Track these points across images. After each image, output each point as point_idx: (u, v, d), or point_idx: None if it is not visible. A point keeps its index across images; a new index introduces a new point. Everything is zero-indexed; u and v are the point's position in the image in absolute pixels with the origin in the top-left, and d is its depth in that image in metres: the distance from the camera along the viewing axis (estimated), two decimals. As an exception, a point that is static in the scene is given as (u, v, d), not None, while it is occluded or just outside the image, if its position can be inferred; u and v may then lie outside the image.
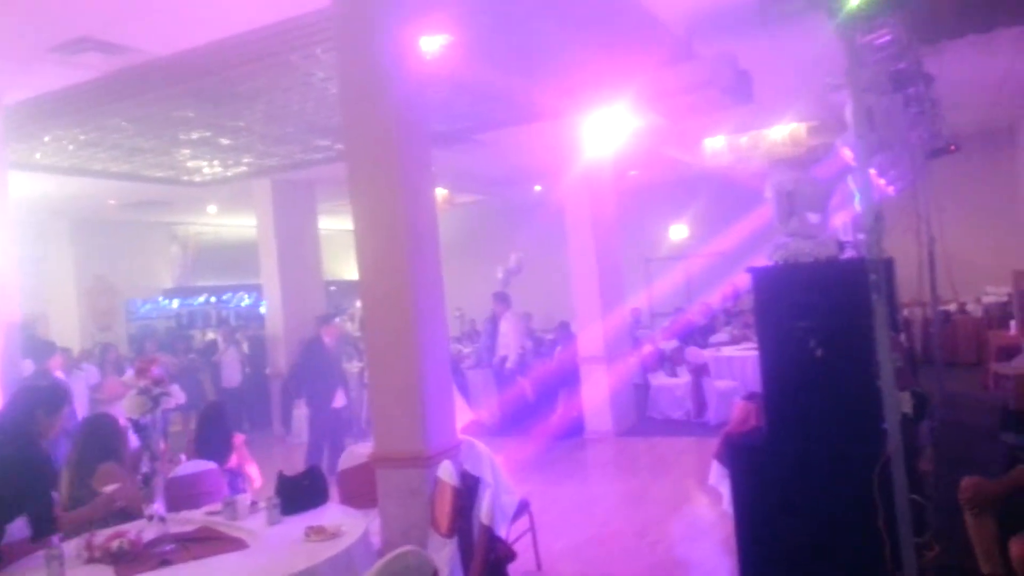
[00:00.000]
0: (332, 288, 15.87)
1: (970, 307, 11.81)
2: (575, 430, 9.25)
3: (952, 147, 7.27)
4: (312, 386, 8.09)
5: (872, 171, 4.67)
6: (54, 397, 4.14)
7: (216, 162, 10.06)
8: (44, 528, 3.55)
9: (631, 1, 5.93)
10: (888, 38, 4.65)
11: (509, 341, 10.41)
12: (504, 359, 10.33)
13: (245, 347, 12.21)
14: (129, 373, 4.04)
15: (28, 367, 6.14)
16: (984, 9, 6.61)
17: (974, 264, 11.52)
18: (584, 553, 5.31)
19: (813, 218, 4.19)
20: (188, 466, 4.64)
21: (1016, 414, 3.80)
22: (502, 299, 10.57)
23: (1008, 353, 8.41)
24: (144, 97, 7.05)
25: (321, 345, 7.91)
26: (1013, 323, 8.76)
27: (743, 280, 11.19)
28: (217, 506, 4.01)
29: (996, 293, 11.48)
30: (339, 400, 7.84)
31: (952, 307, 11.59)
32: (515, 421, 9.77)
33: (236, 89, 7.07)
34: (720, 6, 6.28)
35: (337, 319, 8.24)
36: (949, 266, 8.23)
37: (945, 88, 7.25)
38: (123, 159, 9.38)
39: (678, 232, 15.17)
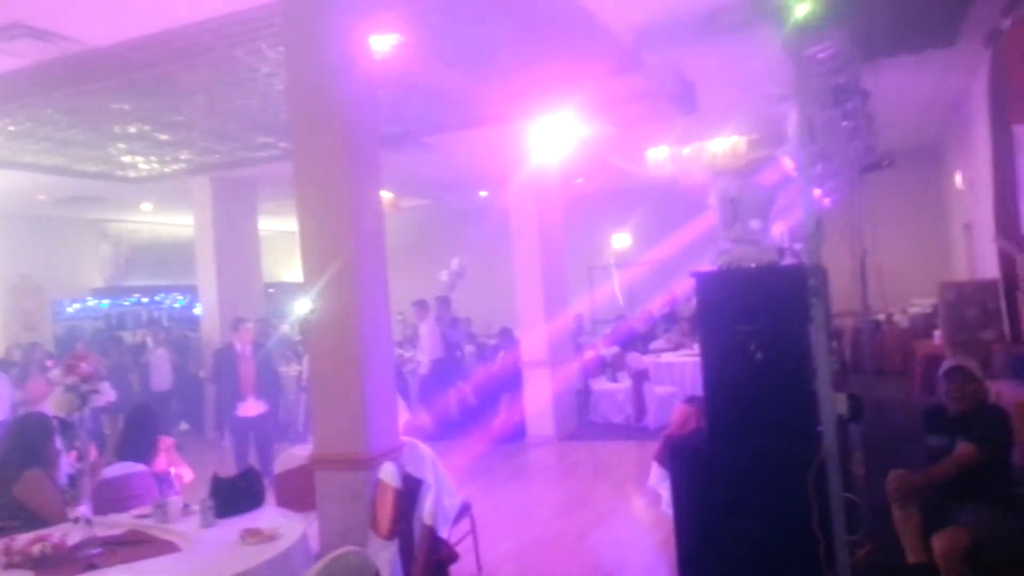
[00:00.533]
0: (271, 290, 15.57)
1: (897, 317, 12.25)
2: (517, 434, 9.26)
3: (886, 162, 7.53)
4: (220, 391, 7.85)
5: (813, 181, 4.79)
6: None
7: (153, 158, 9.77)
8: None
9: (581, 9, 5.98)
10: (832, 51, 4.79)
11: (425, 347, 10.37)
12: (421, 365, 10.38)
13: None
14: (56, 371, 3.86)
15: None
16: (915, 31, 6.91)
17: (902, 276, 11.98)
18: (525, 556, 5.30)
19: (755, 224, 4.29)
20: (117, 468, 4.47)
21: (936, 414, 3.95)
22: (420, 306, 10.59)
23: (934, 361, 8.74)
24: (79, 88, 6.81)
25: (232, 351, 7.66)
26: (937, 333, 9.11)
27: (682, 288, 11.41)
28: (147, 509, 3.87)
29: (922, 304, 11.94)
30: (252, 407, 7.48)
31: (881, 317, 12.01)
32: (457, 425, 9.73)
33: (176, 83, 6.89)
34: (668, 17, 6.39)
35: (248, 323, 7.94)
36: (880, 277, 8.53)
37: (879, 105, 7.53)
38: (55, 152, 9.04)
39: (621, 240, 15.36)
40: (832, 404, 3.15)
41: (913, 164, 12.28)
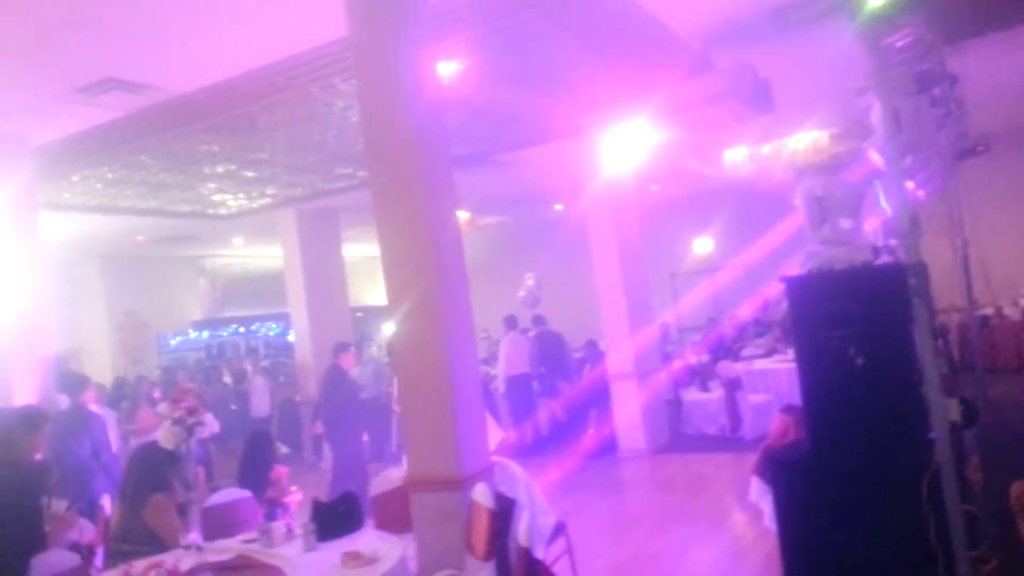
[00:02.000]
0: (359, 314, 15.94)
1: (1007, 310, 11.54)
2: (608, 449, 9.15)
3: (980, 148, 7.13)
4: (331, 416, 7.95)
5: (902, 174, 4.58)
6: (29, 417, 4.12)
7: (241, 194, 10.19)
8: (33, 544, 3.53)
9: (646, 16, 5.93)
10: (910, 39, 4.58)
11: (501, 365, 10.37)
12: (519, 376, 10.31)
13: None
14: (163, 405, 4.06)
15: (63, 401, 6.21)
16: (1002, 7, 6.54)
17: (1010, 266, 11.29)
18: (623, 575, 5.20)
19: (845, 224, 4.11)
20: (223, 494, 4.64)
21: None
22: (504, 322, 10.65)
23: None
24: (168, 134, 7.18)
25: (340, 373, 7.84)
26: (1054, 325, 8.54)
27: (772, 291, 11.08)
28: (253, 534, 4.00)
29: (1035, 295, 11.24)
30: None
31: (989, 311, 11.34)
32: (548, 441, 9.70)
33: (257, 122, 7.17)
34: (736, 16, 6.26)
35: (354, 347, 8.17)
36: (984, 269, 8.06)
37: (970, 88, 7.15)
38: (150, 195, 9.54)
39: (703, 245, 15.06)
40: (944, 411, 2.97)
41: (1012, 147, 11.59)
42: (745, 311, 12.32)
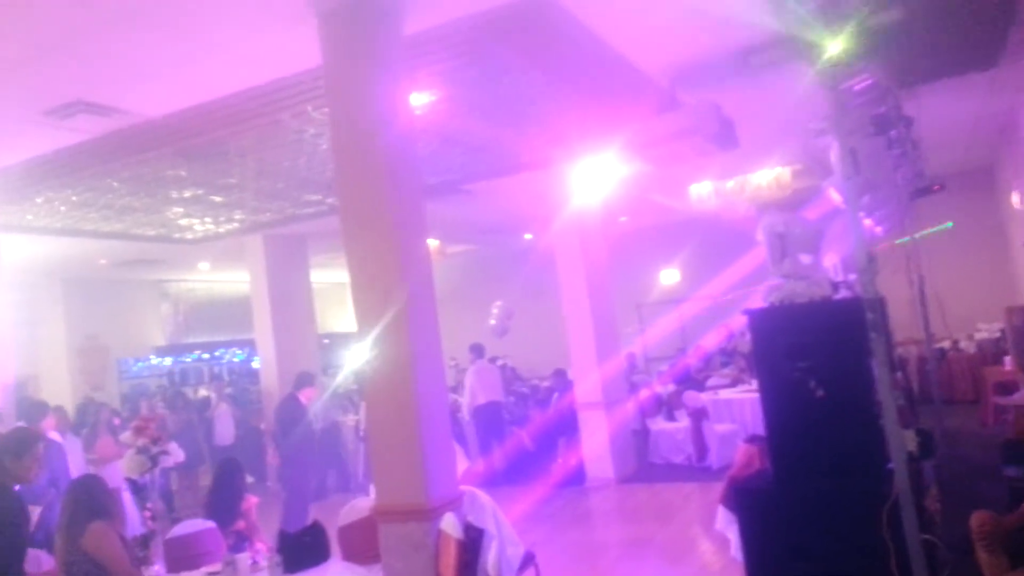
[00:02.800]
0: (326, 341, 15.82)
1: (963, 344, 11.85)
2: (576, 478, 9.16)
3: (936, 187, 7.39)
4: (285, 451, 7.85)
5: (860, 212, 4.74)
6: (18, 441, 4.00)
7: (208, 219, 10.11)
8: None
9: (615, 55, 6.07)
10: (868, 83, 4.77)
11: (467, 394, 10.37)
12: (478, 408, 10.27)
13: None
14: (126, 433, 3.98)
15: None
16: (954, 55, 6.82)
17: (965, 301, 11.62)
18: (590, 605, 5.20)
19: (805, 259, 4.23)
20: (186, 525, 4.57)
21: (1016, 445, 3.80)
22: (471, 350, 10.68)
23: (1006, 388, 8.43)
24: (135, 158, 7.11)
25: (296, 405, 7.76)
26: (1008, 359, 8.78)
27: (737, 322, 11.25)
28: (217, 566, 3.94)
29: (989, 329, 11.55)
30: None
31: (946, 344, 11.64)
32: (516, 470, 9.68)
33: (227, 148, 7.15)
34: (702, 58, 6.44)
35: (316, 379, 8.08)
36: (941, 304, 8.30)
37: (925, 130, 7.42)
38: (115, 219, 9.41)
39: (669, 276, 15.26)
40: (901, 442, 3.06)
41: (966, 186, 12.00)
42: (710, 342, 12.48)
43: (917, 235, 7.91)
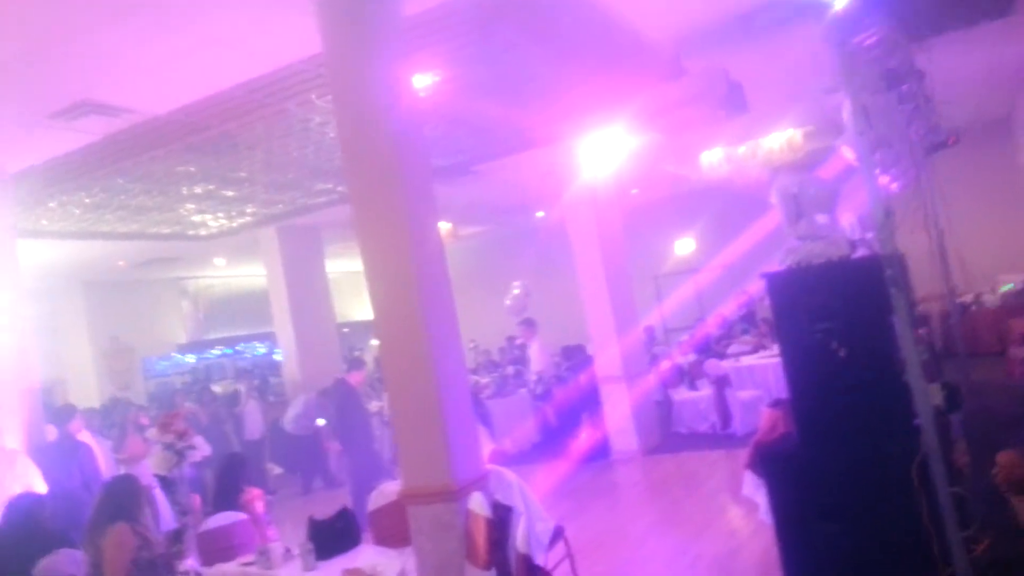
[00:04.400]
0: (345, 330, 15.91)
1: (986, 297, 11.71)
2: (601, 452, 9.19)
3: (951, 140, 7.25)
4: (347, 433, 7.94)
5: (874, 169, 4.67)
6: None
7: (221, 214, 10.15)
8: None
9: (618, 24, 5.99)
10: (877, 37, 4.67)
11: (535, 366, 10.49)
12: (536, 381, 10.48)
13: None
14: (152, 430, 4.02)
15: (51, 432, 6.15)
16: (964, 6, 6.68)
17: (987, 254, 11.46)
18: (624, 576, 5.24)
19: (821, 219, 4.19)
20: (219, 518, 4.62)
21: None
22: (528, 324, 10.76)
23: (1030, 338, 8.34)
24: (145, 156, 7.14)
25: (349, 389, 7.87)
26: (1031, 309, 8.68)
27: (755, 287, 11.18)
28: (251, 556, 3.99)
29: (1014, 280, 11.39)
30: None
31: (968, 298, 11.50)
32: (541, 447, 9.73)
33: (235, 141, 7.16)
34: (706, 22, 6.35)
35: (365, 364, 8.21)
36: (961, 258, 8.18)
37: (938, 83, 7.27)
38: (130, 219, 9.48)
39: (685, 246, 15.17)
40: (927, 397, 3.03)
41: (982, 139, 11.79)
42: (729, 309, 12.40)
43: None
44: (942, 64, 7.50)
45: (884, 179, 6.60)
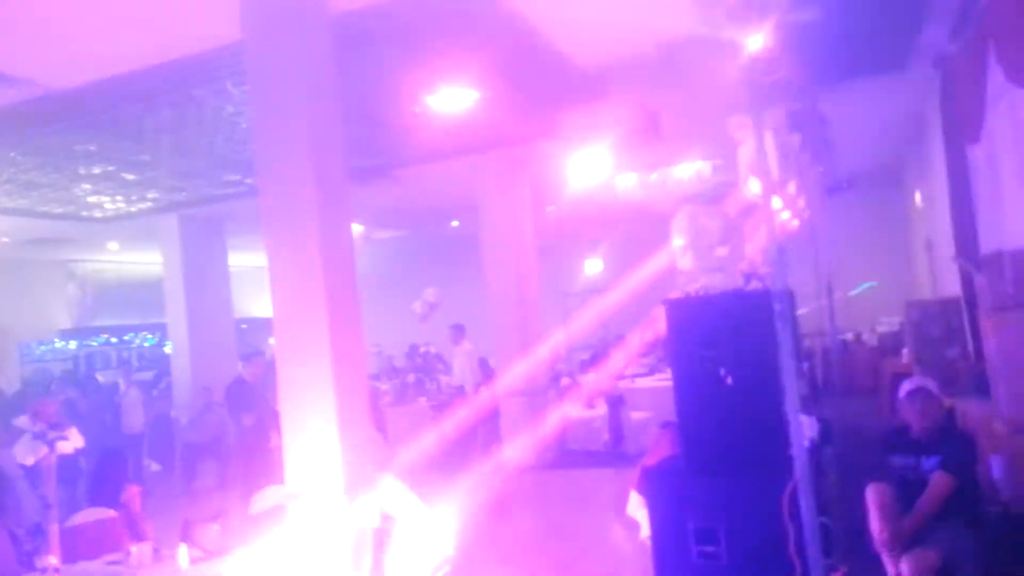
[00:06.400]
0: (243, 326, 15.42)
1: (865, 336, 12.43)
2: (497, 465, 9.20)
3: (846, 184, 7.71)
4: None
5: (775, 207, 4.90)
6: None
7: (119, 197, 9.70)
8: None
9: (545, 43, 6.09)
10: (785, 80, 4.92)
11: (465, 371, 10.34)
12: (460, 388, 10.28)
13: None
14: (23, 417, 3.79)
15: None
16: (866, 56, 7.12)
17: (869, 295, 12.18)
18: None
19: (721, 251, 4.34)
20: (86, 514, 4.38)
21: (900, 433, 4.02)
22: (457, 330, 10.58)
23: (901, 379, 8.88)
24: (42, 130, 6.77)
25: (243, 383, 7.59)
26: (905, 351, 9.26)
27: (657, 312, 11.47)
28: (118, 555, 3.80)
29: (889, 323, 12.14)
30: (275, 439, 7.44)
31: (850, 336, 12.18)
32: (436, 458, 9.65)
33: (141, 123, 6.88)
34: (630, 50, 6.53)
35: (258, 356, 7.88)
36: (846, 297, 8.67)
37: (838, 128, 7.72)
38: (18, 194, 8.94)
39: (593, 266, 15.45)
40: (802, 429, 3.18)
41: (875, 185, 12.57)
42: (635, 340, 12.62)
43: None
44: (843, 111, 7.98)
45: (783, 216, 6.96)
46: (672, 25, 6.01)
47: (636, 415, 9.61)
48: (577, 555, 5.89)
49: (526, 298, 9.66)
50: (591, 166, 8.69)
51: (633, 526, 5.72)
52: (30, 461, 3.45)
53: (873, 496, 3.68)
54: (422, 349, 13.77)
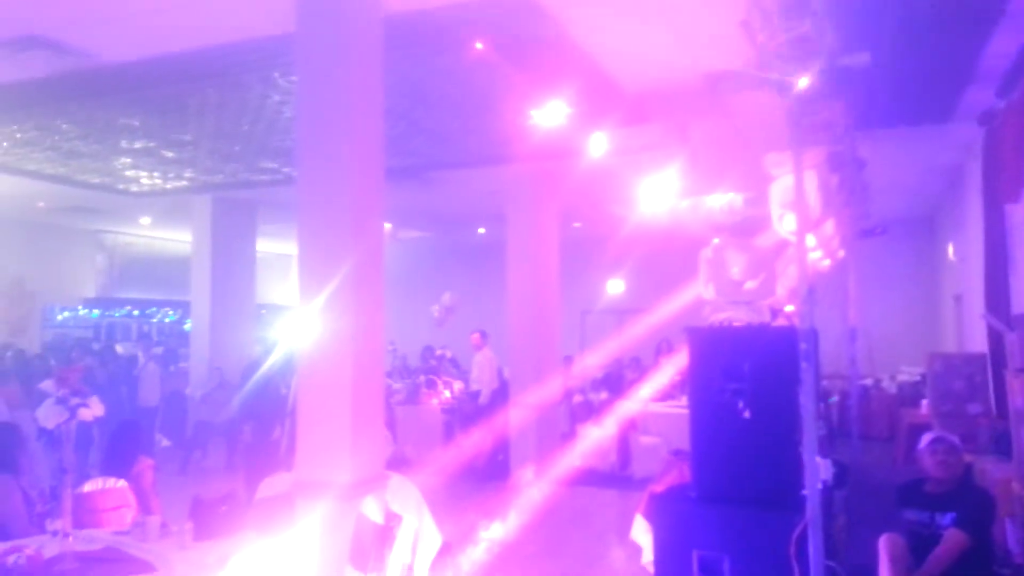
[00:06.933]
0: (263, 311, 15.56)
1: (885, 383, 12.29)
2: (500, 474, 9.21)
3: (880, 230, 7.66)
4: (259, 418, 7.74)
5: (808, 245, 4.89)
6: None
7: (156, 174, 9.84)
8: None
9: (589, 61, 6.13)
10: (828, 121, 4.92)
11: (483, 377, 10.30)
12: (476, 394, 10.26)
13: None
14: (48, 381, 3.85)
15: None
16: (911, 106, 7.10)
17: (892, 342, 12.07)
18: (500, 601, 5.24)
19: (750, 284, 4.34)
20: (97, 482, 4.43)
21: (914, 487, 3.97)
22: (481, 336, 10.56)
23: (920, 430, 8.78)
24: (90, 102, 6.89)
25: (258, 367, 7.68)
26: (924, 402, 9.15)
27: (676, 338, 11.43)
28: (126, 526, 3.84)
29: (910, 372, 12.00)
30: (276, 431, 7.49)
31: (869, 382, 12.05)
32: (443, 461, 9.68)
33: (187, 103, 6.99)
34: (674, 75, 6.55)
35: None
36: (869, 342, 8.60)
37: (875, 174, 7.68)
38: (59, 162, 9.10)
39: (615, 287, 15.41)
40: (817, 471, 3.17)
41: (907, 233, 12.46)
42: (648, 355, 12.61)
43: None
44: (882, 156, 7.95)
45: (815, 255, 6.93)
46: (719, 57, 6.04)
47: (645, 439, 9.57)
48: (576, 571, 5.87)
49: (545, 312, 9.66)
50: (657, 190, 8.69)
51: (635, 550, 5.71)
52: (51, 424, 3.50)
53: (886, 547, 3.65)
54: (437, 352, 13.79)
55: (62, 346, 12.89)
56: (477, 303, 14.04)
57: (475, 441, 9.71)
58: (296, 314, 4.53)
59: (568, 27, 5.50)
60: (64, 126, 7.64)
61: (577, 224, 13.50)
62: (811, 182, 4.44)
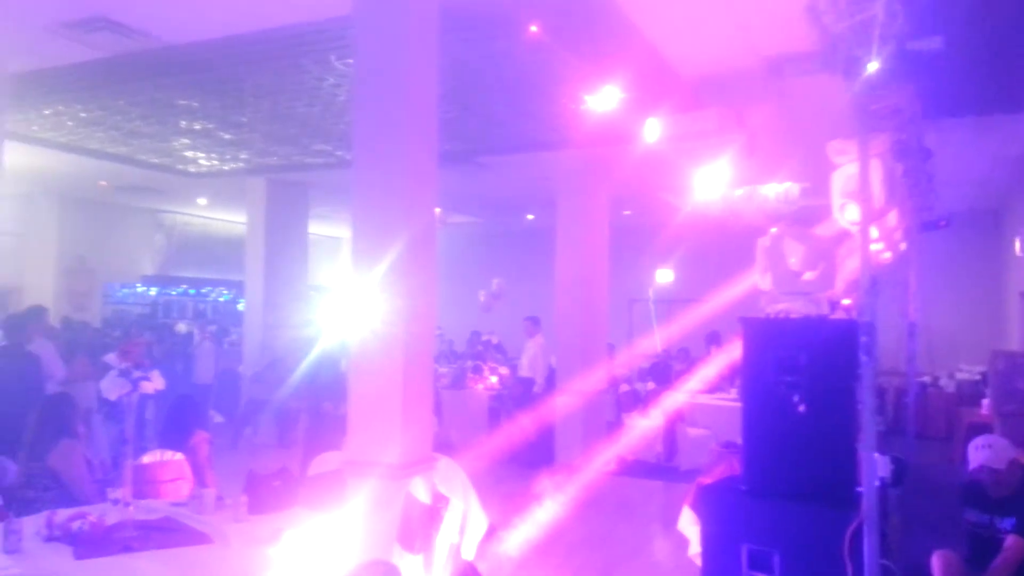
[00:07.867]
0: (312, 293, 15.79)
1: (943, 382, 11.94)
2: (545, 461, 9.21)
3: (943, 223, 7.41)
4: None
5: (872, 236, 4.75)
6: None
7: (214, 155, 10.03)
8: None
9: (647, 45, 6.03)
10: (895, 108, 4.76)
11: (537, 364, 10.27)
12: (529, 381, 10.23)
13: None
14: (111, 355, 3.98)
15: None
16: (984, 93, 6.82)
17: (952, 339, 11.70)
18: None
19: (808, 275, 4.24)
20: (155, 454, 4.56)
21: (974, 487, 3.84)
22: (533, 323, 10.48)
23: (979, 431, 8.51)
24: (151, 82, 7.04)
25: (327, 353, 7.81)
26: (985, 402, 8.85)
27: (725, 330, 11.26)
28: (183, 498, 3.95)
29: (970, 371, 11.63)
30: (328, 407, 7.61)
31: (927, 380, 11.72)
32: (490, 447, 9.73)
33: (244, 85, 7.09)
34: (734, 60, 6.41)
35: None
36: (929, 339, 8.34)
37: (941, 165, 7.42)
38: (120, 141, 9.33)
39: (664, 276, 15.24)
40: (875, 467, 3.08)
41: (971, 226, 12.04)
42: (697, 345, 12.47)
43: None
44: (948, 146, 7.68)
45: (877, 247, 6.74)
46: (779, 40, 5.89)
47: (693, 431, 9.47)
48: (620, 560, 5.86)
49: (593, 299, 9.61)
50: (711, 178, 8.56)
51: (682, 541, 5.66)
52: (114, 396, 3.62)
53: (939, 564, 3.54)
54: (484, 337, 13.85)
55: (122, 322, 13.29)
56: (524, 290, 14.03)
57: (521, 427, 9.72)
58: (348, 296, 4.58)
59: (624, 10, 5.42)
60: (126, 106, 7.83)
61: (627, 212, 13.37)
62: (876, 171, 4.30)
